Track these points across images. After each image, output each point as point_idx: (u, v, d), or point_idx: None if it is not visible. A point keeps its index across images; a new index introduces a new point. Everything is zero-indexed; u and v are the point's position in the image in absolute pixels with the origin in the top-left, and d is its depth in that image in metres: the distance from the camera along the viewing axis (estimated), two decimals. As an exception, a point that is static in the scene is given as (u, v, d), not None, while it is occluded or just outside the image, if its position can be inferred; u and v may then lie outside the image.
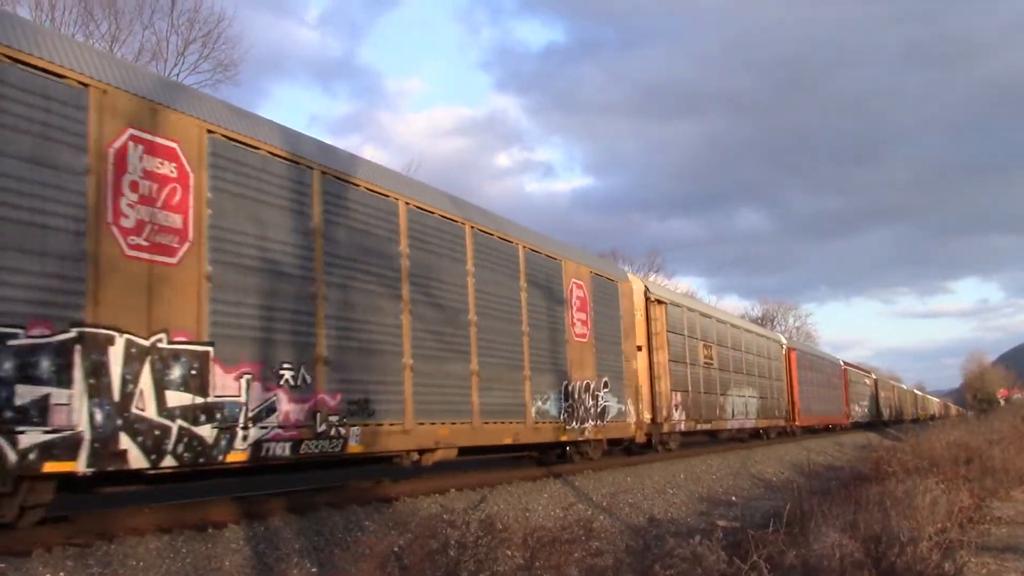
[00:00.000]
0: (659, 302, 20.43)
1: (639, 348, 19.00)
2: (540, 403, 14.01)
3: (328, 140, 10.93)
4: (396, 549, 6.08)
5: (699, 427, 22.47)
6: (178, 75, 30.91)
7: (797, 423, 33.79)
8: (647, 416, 18.95)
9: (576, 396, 15.34)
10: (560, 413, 14.67)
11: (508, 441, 13.07)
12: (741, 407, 26.79)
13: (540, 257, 14.84)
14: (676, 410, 20.54)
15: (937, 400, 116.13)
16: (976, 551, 8.44)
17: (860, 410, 50.56)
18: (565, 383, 14.93)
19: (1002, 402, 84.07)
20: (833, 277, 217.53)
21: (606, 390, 16.61)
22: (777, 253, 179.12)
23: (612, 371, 17.08)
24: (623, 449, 19.22)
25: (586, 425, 15.64)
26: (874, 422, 55.20)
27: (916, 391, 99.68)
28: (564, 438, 14.87)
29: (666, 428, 19.86)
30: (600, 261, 19.38)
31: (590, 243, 66.93)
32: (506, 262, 13.74)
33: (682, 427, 20.96)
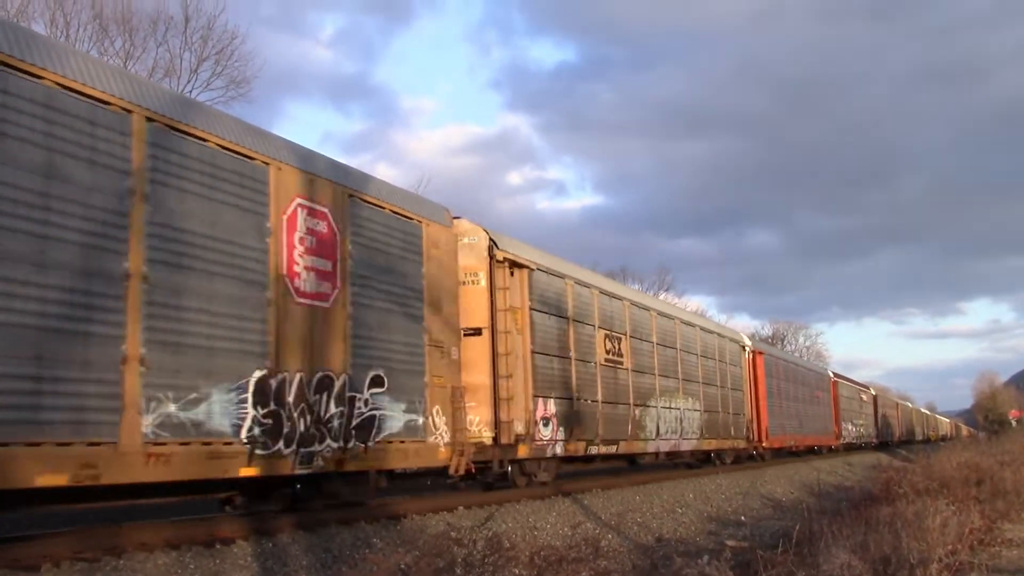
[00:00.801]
0: (516, 265, 13.92)
1: (473, 331, 13.08)
2: (173, 407, 7.71)
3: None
4: (403, 566, 6.09)
5: (593, 449, 16.16)
6: (191, 92, 31.16)
7: (764, 444, 27.91)
8: (485, 434, 12.93)
9: (289, 399, 9.07)
10: (242, 427, 8.43)
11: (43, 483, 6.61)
12: (673, 423, 20.34)
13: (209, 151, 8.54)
14: (545, 425, 14.29)
15: (947, 420, 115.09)
16: (987, 573, 8.38)
17: (855, 429, 45.39)
18: (260, 374, 8.70)
19: (1014, 423, 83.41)
20: (844, 297, 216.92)
21: (378, 391, 10.53)
22: (788, 273, 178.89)
23: (397, 362, 10.95)
24: (449, 483, 13.04)
25: (318, 449, 9.39)
26: (874, 443, 51.26)
27: (925, 410, 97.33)
28: (247, 471, 8.48)
29: (523, 452, 13.56)
30: (382, 185, 11.47)
31: (600, 261, 67.05)
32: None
33: (559, 450, 14.74)
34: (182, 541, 7.81)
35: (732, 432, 25.15)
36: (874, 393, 53.97)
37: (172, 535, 7.99)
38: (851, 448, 43.38)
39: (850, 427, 43.47)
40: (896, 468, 21.00)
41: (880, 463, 32.01)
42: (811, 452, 36.72)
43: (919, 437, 73.49)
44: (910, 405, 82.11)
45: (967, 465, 17.47)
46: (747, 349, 27.99)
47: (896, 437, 61.41)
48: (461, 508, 11.84)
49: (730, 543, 10.52)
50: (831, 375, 42.14)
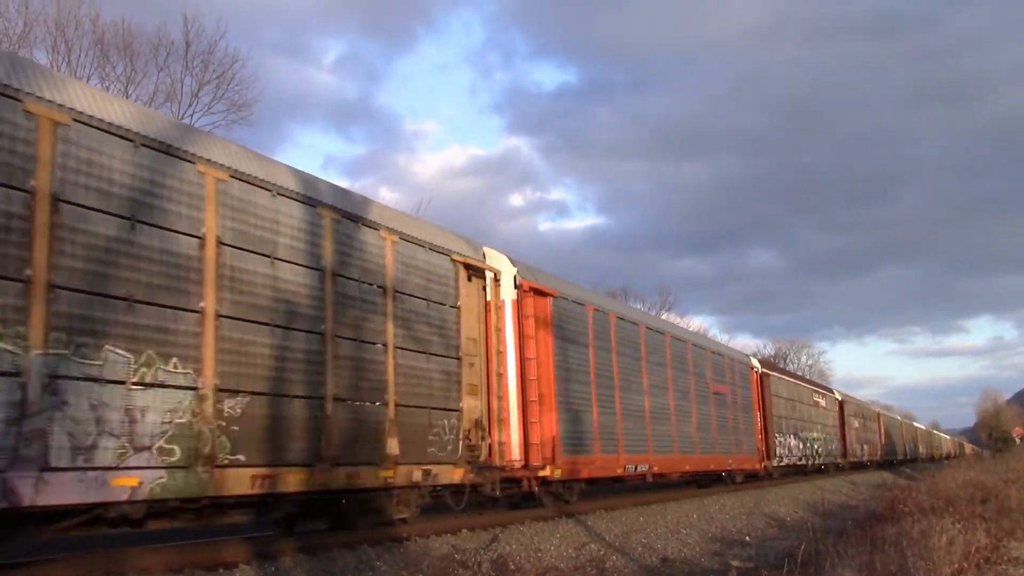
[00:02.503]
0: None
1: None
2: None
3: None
4: (408, 589, 6.04)
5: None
6: (192, 116, 31.33)
7: (551, 472, 14.00)
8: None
9: None
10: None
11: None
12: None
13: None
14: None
15: (949, 438, 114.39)
16: (994, 592, 8.32)
17: (804, 446, 32.28)
18: None
19: (1017, 440, 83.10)
20: (845, 316, 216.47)
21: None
22: (789, 292, 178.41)
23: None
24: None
25: None
26: (842, 465, 40.71)
27: (919, 425, 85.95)
28: None
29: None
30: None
31: (601, 281, 67.01)
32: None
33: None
34: (184, 565, 7.77)
35: (444, 453, 22.90)
36: (839, 398, 42.76)
37: (174, 559, 7.95)
38: (795, 473, 32.68)
39: (792, 443, 30.68)
40: (901, 487, 20.90)
41: (884, 482, 31.88)
42: (716, 480, 25.20)
43: (902, 456, 61.99)
44: (894, 416, 69.99)
45: (972, 483, 17.41)
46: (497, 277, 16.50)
47: (878, 456, 50.86)
48: (465, 531, 11.78)
49: (735, 563, 10.46)
50: (754, 364, 28.53)
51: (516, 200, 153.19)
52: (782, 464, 29.57)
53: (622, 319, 18.31)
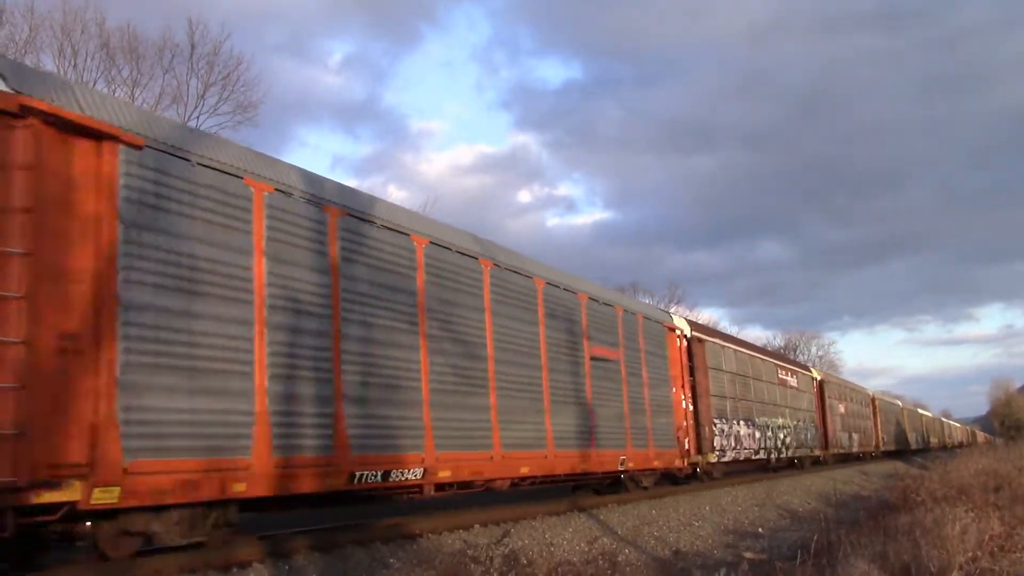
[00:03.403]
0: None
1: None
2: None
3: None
4: (421, 586, 6.06)
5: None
6: (198, 118, 31.41)
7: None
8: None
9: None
10: None
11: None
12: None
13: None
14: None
15: (959, 426, 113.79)
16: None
17: (757, 437, 25.03)
18: None
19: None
20: (856, 306, 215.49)
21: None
22: (799, 283, 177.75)
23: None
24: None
25: None
26: (822, 459, 34.30)
27: (925, 412, 79.05)
28: None
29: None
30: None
31: (610, 277, 66.96)
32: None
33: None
34: (197, 567, 7.79)
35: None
36: (818, 377, 35.97)
37: (188, 561, 7.97)
38: (750, 470, 27.16)
39: (743, 432, 23.75)
40: (913, 476, 20.85)
41: (896, 472, 31.80)
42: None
43: (909, 445, 57.36)
44: (900, 404, 61.32)
45: (985, 471, 17.35)
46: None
47: (873, 447, 44.50)
48: (477, 526, 11.80)
49: (748, 555, 10.46)
50: (677, 325, 20.86)
51: (524, 196, 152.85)
52: (725, 460, 22.14)
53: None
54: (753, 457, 24.86)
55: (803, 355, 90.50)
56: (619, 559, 9.60)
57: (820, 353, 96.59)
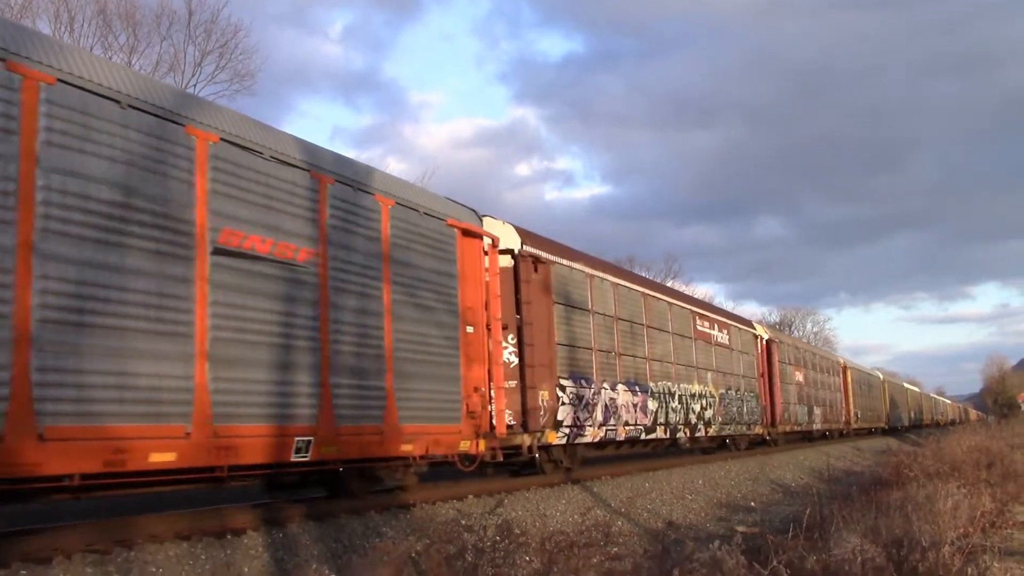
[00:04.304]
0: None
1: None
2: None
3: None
4: (413, 554, 6.09)
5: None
6: (195, 86, 31.16)
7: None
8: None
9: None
10: None
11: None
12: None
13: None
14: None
15: (951, 403, 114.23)
16: (999, 556, 8.35)
17: (649, 408, 17.69)
18: None
19: (1023, 406, 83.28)
20: (852, 283, 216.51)
21: None
22: (795, 260, 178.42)
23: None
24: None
25: None
26: (769, 435, 27.40)
27: (911, 387, 73.14)
28: None
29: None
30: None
31: (608, 250, 66.79)
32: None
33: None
34: (193, 532, 7.82)
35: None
36: (765, 336, 28.26)
37: (183, 526, 8.00)
38: (628, 457, 19.48)
39: (620, 401, 16.48)
40: (906, 452, 20.96)
41: (889, 448, 31.95)
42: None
43: (890, 423, 50.98)
44: (880, 376, 53.03)
45: (977, 448, 17.44)
46: None
47: (843, 423, 38.59)
48: (471, 496, 11.84)
49: (740, 528, 10.52)
50: (491, 236, 12.46)
51: (523, 169, 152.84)
52: (582, 441, 15.14)
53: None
54: (643, 436, 17.58)
55: (798, 331, 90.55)
56: (612, 530, 9.64)
57: (815, 329, 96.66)
